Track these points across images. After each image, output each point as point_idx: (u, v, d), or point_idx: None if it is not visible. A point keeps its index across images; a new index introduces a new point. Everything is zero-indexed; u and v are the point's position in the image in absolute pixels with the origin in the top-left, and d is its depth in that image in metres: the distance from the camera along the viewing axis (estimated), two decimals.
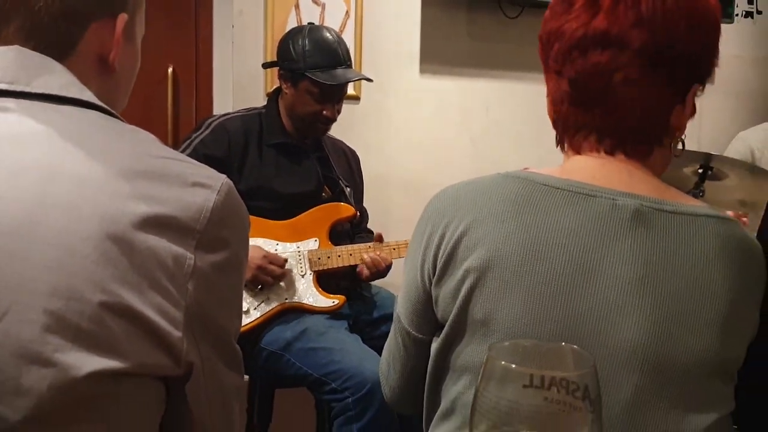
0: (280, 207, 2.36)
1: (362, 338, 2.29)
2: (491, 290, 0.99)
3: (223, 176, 0.90)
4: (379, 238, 2.39)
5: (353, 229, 2.52)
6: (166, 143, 1.10)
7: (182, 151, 2.22)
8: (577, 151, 1.07)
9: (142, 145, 0.88)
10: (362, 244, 2.39)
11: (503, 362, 0.62)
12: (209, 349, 0.88)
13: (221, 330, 0.90)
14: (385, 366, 1.24)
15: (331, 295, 2.35)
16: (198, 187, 0.86)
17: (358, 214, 2.44)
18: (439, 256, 1.05)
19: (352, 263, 2.35)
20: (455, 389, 1.06)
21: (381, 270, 2.33)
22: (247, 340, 2.21)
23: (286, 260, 2.27)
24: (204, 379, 0.88)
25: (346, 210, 2.45)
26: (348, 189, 2.48)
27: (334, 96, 2.39)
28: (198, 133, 2.33)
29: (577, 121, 1.05)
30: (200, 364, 0.87)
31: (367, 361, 2.12)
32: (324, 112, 2.38)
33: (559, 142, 1.10)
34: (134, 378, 0.82)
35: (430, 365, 1.11)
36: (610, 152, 1.05)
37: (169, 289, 0.81)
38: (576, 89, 1.04)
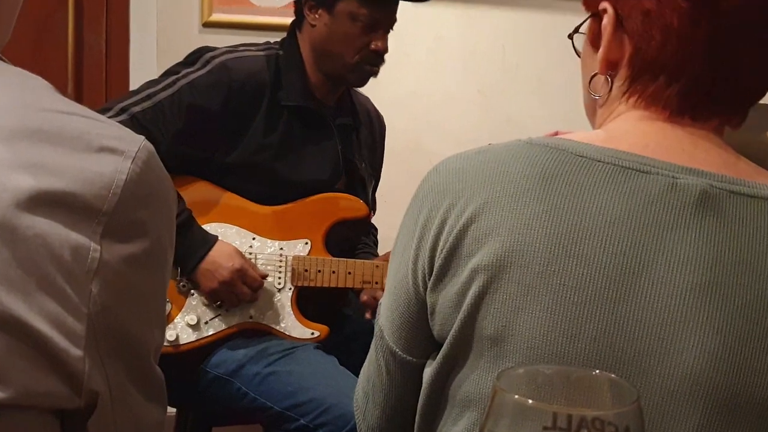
0: (276, 194, 1.91)
1: (339, 359, 1.93)
2: (507, 297, 0.89)
3: (141, 138, 0.81)
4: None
5: (358, 235, 2.06)
6: (65, 93, 1.00)
7: (160, 91, 1.80)
8: (634, 104, 0.98)
9: (31, 94, 0.81)
10: (367, 262, 1.91)
11: (517, 396, 0.55)
12: (120, 373, 0.81)
13: (137, 347, 0.83)
14: (361, 397, 1.14)
15: (312, 324, 1.91)
16: (106, 152, 0.78)
17: (372, 215, 2.00)
18: (438, 250, 0.94)
19: (348, 285, 1.89)
20: (455, 430, 0.96)
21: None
22: (186, 361, 1.87)
23: (266, 276, 1.84)
24: (113, 412, 0.81)
25: (356, 207, 1.97)
26: (370, 179, 2.03)
27: (388, 19, 1.95)
28: (190, 69, 1.86)
29: (666, 63, 0.95)
30: (108, 393, 0.80)
31: (349, 390, 1.64)
32: (374, 44, 1.92)
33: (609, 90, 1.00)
34: (17, 411, 0.74)
35: (422, 397, 1.02)
36: (678, 112, 0.96)
37: (65, 292, 0.74)
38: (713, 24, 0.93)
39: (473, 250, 0.92)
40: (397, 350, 1.04)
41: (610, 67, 1.00)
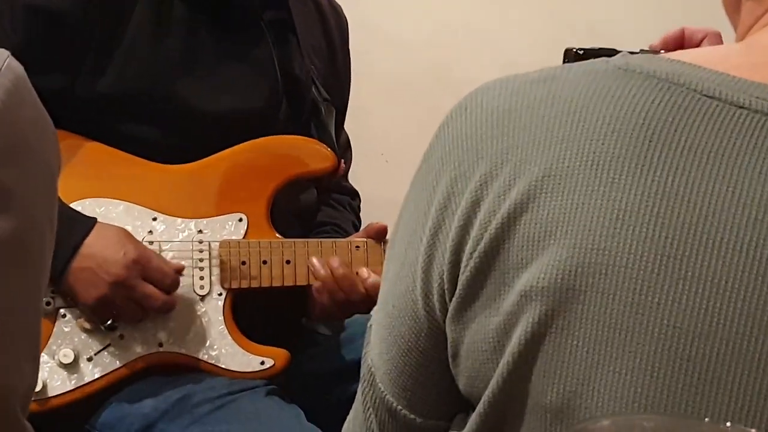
0: (182, 142, 1.57)
1: (306, 410, 1.58)
2: (579, 344, 0.75)
3: (4, 52, 0.75)
4: (379, 231, 1.57)
5: (321, 202, 1.72)
6: None
7: None
8: None
9: None
10: (340, 241, 1.58)
11: None
12: None
13: None
14: None
15: (261, 348, 1.53)
16: None
17: (342, 164, 1.66)
18: (466, 252, 0.78)
19: (313, 281, 1.54)
20: None
21: (358, 301, 1.54)
22: (58, 422, 1.52)
23: (181, 269, 1.50)
24: None
25: (316, 156, 1.61)
26: (329, 109, 1.69)
27: None
28: None
29: None
30: None
31: None
32: None
33: None
34: None
35: None
36: None
37: None
38: None
39: (524, 258, 0.77)
40: (398, 406, 0.92)
41: None
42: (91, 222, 1.40)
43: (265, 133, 1.59)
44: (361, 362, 0.97)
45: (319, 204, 1.68)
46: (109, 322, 1.47)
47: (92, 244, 1.40)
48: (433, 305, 0.84)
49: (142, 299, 1.44)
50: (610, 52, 0.95)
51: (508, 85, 0.82)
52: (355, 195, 1.78)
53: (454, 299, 0.82)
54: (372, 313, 0.93)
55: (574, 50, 1.14)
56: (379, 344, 0.92)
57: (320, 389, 1.67)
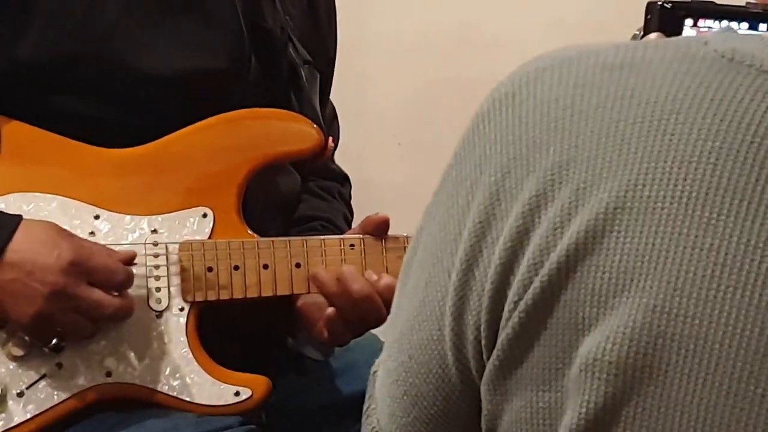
0: (130, 114, 1.39)
1: None
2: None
3: None
4: (379, 225, 1.39)
5: (301, 192, 1.58)
6: None
7: None
8: None
9: None
10: (331, 239, 1.43)
11: None
12: None
13: None
14: None
15: (235, 376, 1.37)
16: None
17: (330, 142, 1.50)
18: (508, 297, 0.69)
19: (297, 291, 1.39)
20: None
21: (380, 316, 1.35)
22: None
23: (133, 256, 1.34)
24: None
25: (299, 133, 1.43)
26: (312, 73, 1.53)
27: None
28: None
29: None
30: None
31: None
32: None
33: None
34: None
35: None
36: None
37: None
38: None
39: (587, 318, 0.68)
40: None
41: None
42: (15, 221, 1.24)
43: (231, 103, 1.41)
44: (362, 421, 0.90)
45: (301, 194, 1.51)
46: (53, 342, 1.28)
47: (19, 248, 1.23)
48: (467, 362, 0.74)
49: (89, 309, 1.27)
50: (713, 7, 0.88)
51: (571, 69, 0.70)
52: (344, 180, 1.62)
53: (491, 360, 0.72)
54: (378, 360, 0.84)
55: (660, 3, 0.97)
56: (391, 404, 0.83)
57: (310, 429, 1.53)
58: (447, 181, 0.75)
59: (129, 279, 1.30)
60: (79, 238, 1.32)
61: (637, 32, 0.89)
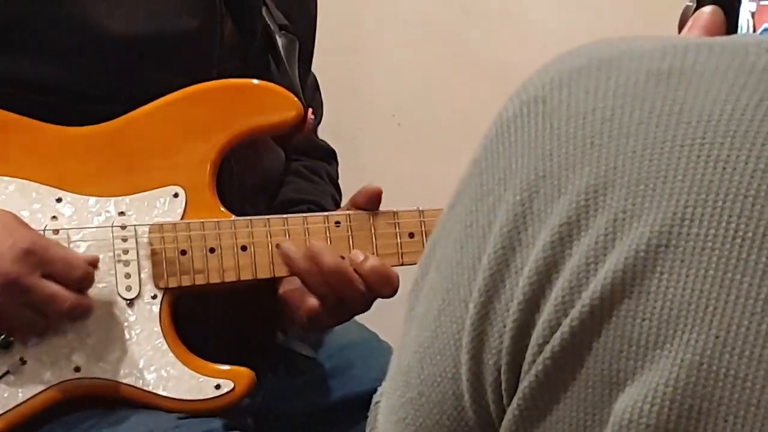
0: (91, 82, 1.32)
1: None
2: None
3: None
4: (371, 197, 1.33)
5: (280, 169, 1.51)
6: None
7: None
8: None
9: None
10: (314, 216, 1.35)
11: None
12: None
13: None
14: None
15: (214, 367, 1.30)
16: None
17: (310, 115, 1.43)
18: (531, 339, 0.64)
19: (279, 274, 1.31)
20: None
21: (359, 296, 1.30)
22: None
23: (95, 260, 1.27)
24: None
25: (275, 103, 1.37)
26: (291, 42, 1.47)
27: None
28: None
29: None
30: None
31: None
32: None
33: None
34: None
35: None
36: None
37: None
38: None
39: (623, 370, 0.63)
40: None
41: None
42: None
43: (203, 71, 1.34)
44: None
45: (282, 170, 1.45)
46: (2, 337, 1.25)
47: None
48: (486, 406, 0.68)
49: (42, 303, 1.21)
50: None
51: (611, 74, 0.65)
52: (332, 157, 1.56)
53: (511, 408, 0.66)
54: (381, 388, 0.78)
55: None
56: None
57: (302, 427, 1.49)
58: (465, 193, 0.69)
59: (89, 277, 1.24)
60: (37, 231, 1.28)
61: (690, 2, 0.80)
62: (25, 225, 1.25)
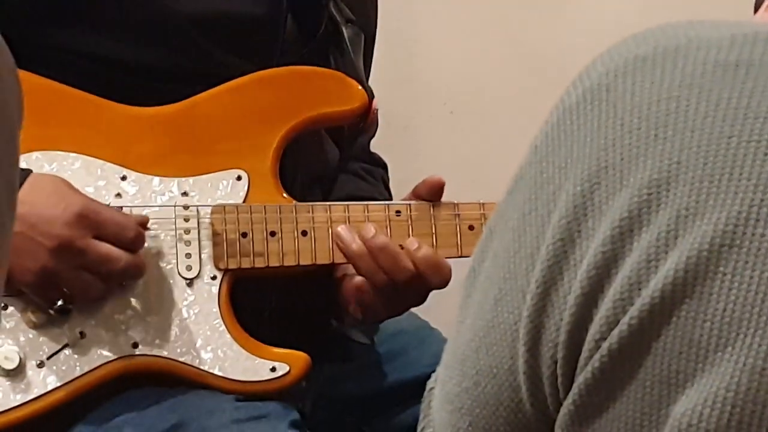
0: (153, 53, 1.35)
1: None
2: None
3: None
4: (433, 188, 1.34)
5: (348, 150, 1.54)
6: None
7: None
8: None
9: None
10: (375, 204, 1.37)
11: None
12: None
13: None
14: None
15: (270, 350, 1.32)
16: None
17: (375, 106, 1.44)
18: (589, 333, 0.65)
19: (339, 260, 1.33)
20: None
21: (407, 287, 1.33)
22: None
23: (146, 221, 1.31)
24: None
25: (342, 92, 1.39)
26: (356, 33, 1.47)
27: None
28: None
29: None
30: None
31: None
32: None
33: None
34: None
35: None
36: None
37: None
38: None
39: (682, 371, 0.64)
40: None
41: None
42: (23, 174, 1.21)
43: (265, 58, 1.36)
44: None
45: (340, 168, 1.46)
46: (59, 304, 1.25)
47: (23, 200, 1.22)
48: (543, 398, 0.69)
49: (97, 264, 1.23)
50: None
51: (677, 63, 0.64)
52: (385, 168, 1.58)
53: (566, 403, 0.67)
54: (436, 374, 0.80)
55: None
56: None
57: (356, 418, 1.48)
58: (524, 179, 0.69)
59: (140, 237, 1.26)
60: (89, 196, 1.29)
61: None
62: (76, 190, 1.27)
